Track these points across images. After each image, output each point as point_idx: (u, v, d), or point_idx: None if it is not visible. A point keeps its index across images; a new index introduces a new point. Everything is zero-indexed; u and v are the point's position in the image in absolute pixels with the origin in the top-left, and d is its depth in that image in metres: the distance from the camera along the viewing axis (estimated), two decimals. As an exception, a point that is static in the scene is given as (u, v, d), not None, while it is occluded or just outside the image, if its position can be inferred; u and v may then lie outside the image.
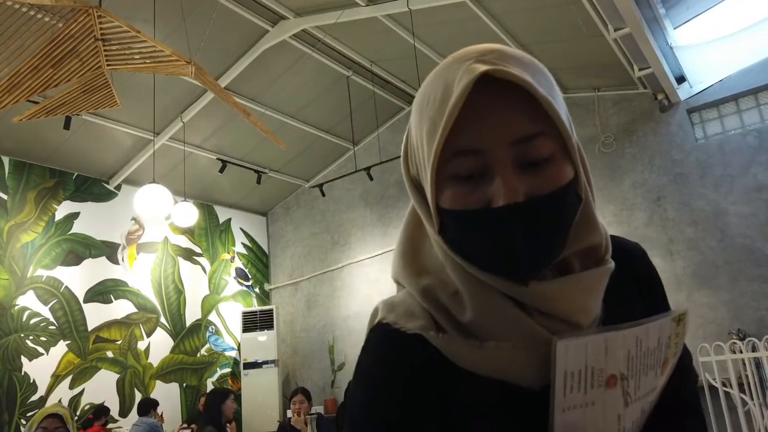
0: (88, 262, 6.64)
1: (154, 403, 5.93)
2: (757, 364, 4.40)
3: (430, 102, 0.59)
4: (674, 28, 5.38)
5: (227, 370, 7.81)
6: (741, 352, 4.42)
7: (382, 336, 0.65)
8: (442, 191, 0.59)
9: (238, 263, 8.41)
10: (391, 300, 0.68)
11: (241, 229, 8.59)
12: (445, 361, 0.61)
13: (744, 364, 4.40)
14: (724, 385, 4.43)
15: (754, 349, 4.37)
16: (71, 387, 6.17)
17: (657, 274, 0.76)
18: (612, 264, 0.64)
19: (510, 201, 0.55)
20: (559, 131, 0.57)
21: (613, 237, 0.70)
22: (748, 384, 4.32)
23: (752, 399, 4.29)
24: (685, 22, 5.36)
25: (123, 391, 6.60)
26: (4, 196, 6.09)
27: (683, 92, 5.65)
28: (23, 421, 5.66)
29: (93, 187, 6.91)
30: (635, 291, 0.72)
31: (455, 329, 0.62)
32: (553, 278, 0.61)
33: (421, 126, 0.60)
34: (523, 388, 0.60)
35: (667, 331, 0.62)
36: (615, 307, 0.66)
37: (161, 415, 6.20)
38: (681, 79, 5.62)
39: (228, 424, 4.75)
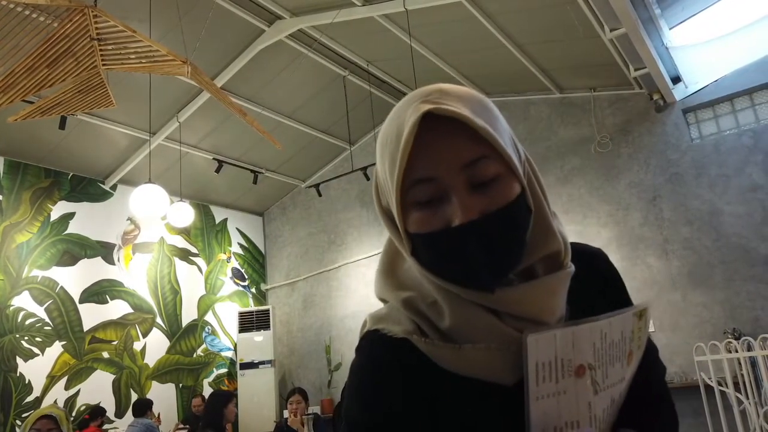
0: (83, 263, 6.62)
1: (149, 404, 5.92)
2: (753, 363, 4.42)
3: (388, 141, 0.66)
4: (670, 29, 5.39)
5: (224, 370, 7.80)
6: (736, 351, 4.44)
7: (374, 341, 0.72)
8: (407, 217, 0.66)
9: (235, 263, 8.40)
10: (377, 312, 0.76)
11: (238, 229, 8.58)
12: (430, 363, 0.68)
13: (739, 363, 4.42)
14: (719, 384, 4.45)
15: (749, 348, 4.39)
16: (67, 388, 6.15)
17: (618, 275, 0.82)
18: (572, 268, 0.70)
19: (466, 220, 0.62)
20: (501, 153, 0.64)
21: (576, 243, 0.78)
22: (744, 383, 4.34)
23: (748, 398, 4.30)
24: (681, 22, 5.38)
25: (119, 391, 6.58)
26: (-1, 197, 6.07)
27: (679, 92, 5.67)
28: (18, 422, 5.64)
29: (89, 187, 6.89)
30: (598, 291, 0.78)
31: (436, 334, 0.69)
32: (519, 284, 0.67)
33: (384, 162, 0.68)
34: (499, 386, 0.66)
35: (630, 325, 0.66)
36: (579, 306, 0.71)
37: (158, 416, 6.18)
38: (676, 80, 5.64)
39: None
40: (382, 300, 0.77)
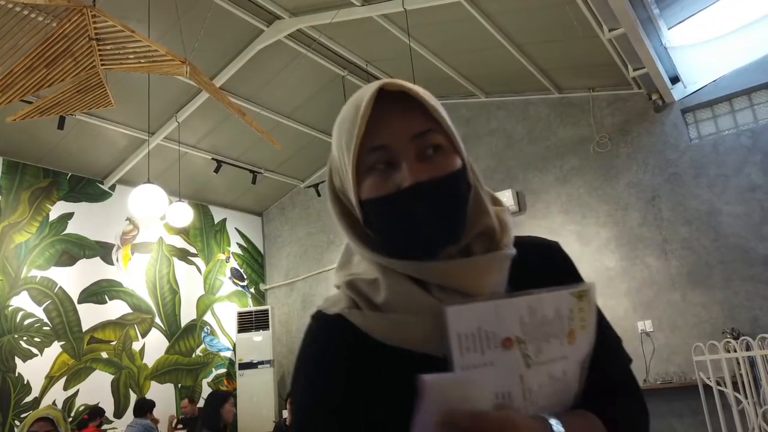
0: (82, 263, 6.62)
1: (151, 406, 5.90)
2: (751, 362, 4.43)
3: (345, 119, 0.74)
4: (668, 29, 5.40)
5: (222, 370, 7.80)
6: (735, 351, 4.44)
7: (315, 320, 0.80)
8: (362, 184, 0.72)
9: (234, 263, 8.39)
10: (328, 297, 0.83)
11: (237, 229, 8.57)
12: (365, 336, 0.73)
13: (738, 363, 4.42)
14: (718, 383, 4.46)
15: (748, 348, 4.39)
16: (65, 388, 6.14)
17: (574, 268, 0.84)
18: (510, 251, 0.75)
19: (414, 181, 0.69)
20: (445, 130, 0.72)
21: (532, 236, 0.85)
22: (742, 383, 4.35)
23: (746, 398, 4.31)
24: (680, 22, 5.38)
25: (118, 392, 6.57)
26: (-2, 197, 6.06)
27: (677, 92, 5.67)
28: (17, 423, 5.63)
29: (87, 188, 6.89)
30: (551, 283, 0.80)
31: (370, 309, 0.74)
32: (454, 259, 0.73)
33: (341, 139, 0.74)
34: (432, 357, 0.67)
35: (567, 304, 0.67)
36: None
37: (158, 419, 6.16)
38: (675, 80, 5.64)
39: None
40: (337, 287, 0.83)
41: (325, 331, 0.77)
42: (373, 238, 0.75)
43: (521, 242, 0.79)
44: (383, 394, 0.71)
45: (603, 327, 0.76)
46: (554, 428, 0.64)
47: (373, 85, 0.72)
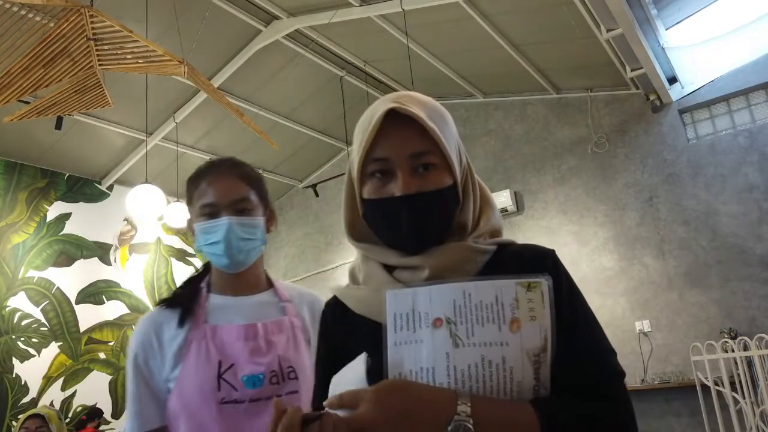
0: (80, 263, 6.60)
1: None
2: (749, 362, 4.44)
3: (362, 127, 0.86)
4: (666, 29, 5.41)
5: (221, 371, 7.78)
6: (733, 351, 4.45)
7: None
8: (364, 186, 0.87)
9: (232, 264, 8.37)
10: None
11: (235, 229, 8.55)
12: (348, 311, 0.90)
13: (736, 362, 4.43)
14: (716, 383, 4.46)
15: (745, 348, 4.40)
16: (63, 389, 6.13)
17: (563, 274, 0.84)
18: (474, 244, 0.85)
19: (404, 193, 0.82)
20: (441, 150, 0.83)
21: (528, 245, 0.91)
22: (740, 383, 4.35)
23: (744, 397, 4.32)
24: (677, 22, 5.39)
25: (115, 392, 6.55)
26: (-5, 197, 6.05)
27: (675, 93, 5.68)
28: (14, 423, 5.62)
29: (85, 188, 6.87)
30: None
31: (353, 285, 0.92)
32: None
33: (356, 142, 0.88)
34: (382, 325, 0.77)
35: (511, 293, 0.71)
36: None
37: None
38: (673, 80, 5.66)
39: None
40: None
41: (325, 307, 0.99)
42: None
43: (515, 249, 0.89)
44: (352, 353, 0.83)
45: (581, 330, 0.80)
46: (459, 407, 0.67)
47: (386, 105, 0.82)
